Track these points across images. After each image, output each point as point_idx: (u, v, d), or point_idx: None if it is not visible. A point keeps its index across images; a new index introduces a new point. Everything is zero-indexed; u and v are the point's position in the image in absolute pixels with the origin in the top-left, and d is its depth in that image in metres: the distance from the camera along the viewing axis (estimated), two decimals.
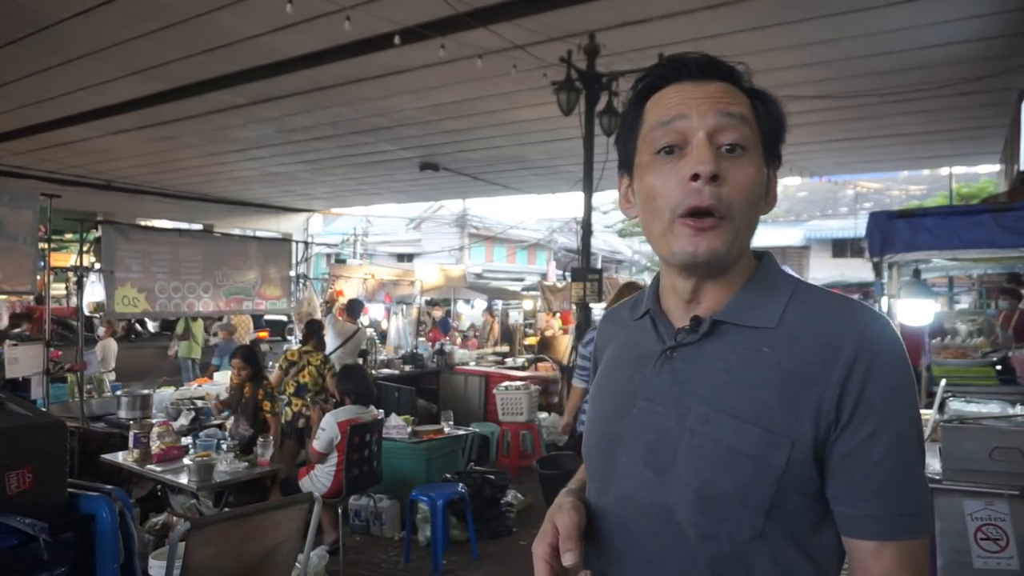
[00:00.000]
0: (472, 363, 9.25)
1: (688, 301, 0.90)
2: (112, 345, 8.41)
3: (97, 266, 5.78)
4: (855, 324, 0.81)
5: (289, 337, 8.15)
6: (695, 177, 0.81)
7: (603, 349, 1.07)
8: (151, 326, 16.18)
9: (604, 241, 27.62)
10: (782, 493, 0.79)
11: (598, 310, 7.51)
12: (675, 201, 0.83)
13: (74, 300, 7.76)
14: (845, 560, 0.84)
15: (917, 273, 3.94)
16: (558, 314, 12.50)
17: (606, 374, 1.02)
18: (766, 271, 0.91)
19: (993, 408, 2.90)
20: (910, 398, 0.80)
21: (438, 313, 12.62)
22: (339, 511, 4.41)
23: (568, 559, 0.81)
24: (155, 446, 4.13)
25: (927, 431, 2.69)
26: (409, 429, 5.31)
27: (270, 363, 8.45)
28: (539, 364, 9.02)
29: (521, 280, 22.55)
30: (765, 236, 22.48)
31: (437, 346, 9.60)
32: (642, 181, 0.88)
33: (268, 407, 4.86)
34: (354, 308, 7.60)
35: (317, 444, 4.42)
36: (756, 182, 0.84)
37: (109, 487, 2.21)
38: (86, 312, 6.12)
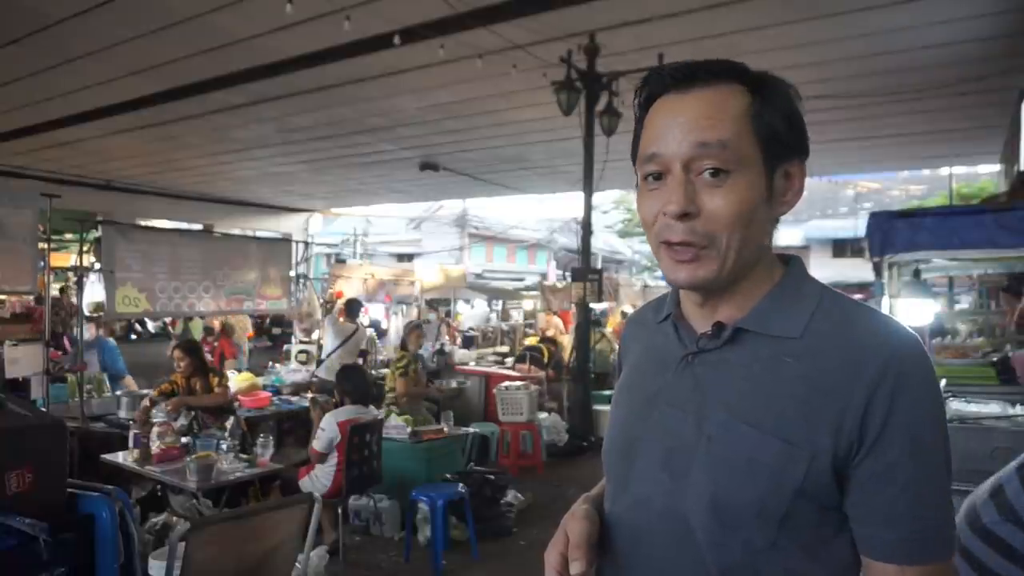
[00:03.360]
0: (472, 363, 9.25)
1: (702, 307, 0.89)
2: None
3: (97, 266, 5.79)
4: (883, 339, 0.79)
5: (300, 336, 8.14)
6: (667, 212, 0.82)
7: (627, 351, 1.06)
8: (151, 326, 16.18)
9: (604, 241, 27.62)
10: (797, 504, 0.78)
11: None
12: (655, 229, 0.84)
13: (73, 300, 7.76)
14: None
15: (917, 273, 3.94)
16: (558, 313, 12.50)
17: (629, 376, 1.01)
18: (793, 278, 0.88)
19: (993, 408, 2.90)
20: (938, 418, 0.78)
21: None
22: (339, 511, 4.41)
23: (575, 568, 0.80)
24: (155, 446, 4.13)
25: None
26: (409, 429, 5.30)
27: (270, 362, 8.46)
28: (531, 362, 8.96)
29: (521, 280, 22.55)
30: None
31: (437, 346, 9.60)
32: (637, 202, 0.89)
33: (217, 381, 4.95)
34: (353, 308, 7.60)
35: (317, 444, 4.42)
36: (743, 203, 0.80)
37: (109, 487, 2.22)
38: (86, 312, 6.12)
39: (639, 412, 0.93)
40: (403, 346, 6.43)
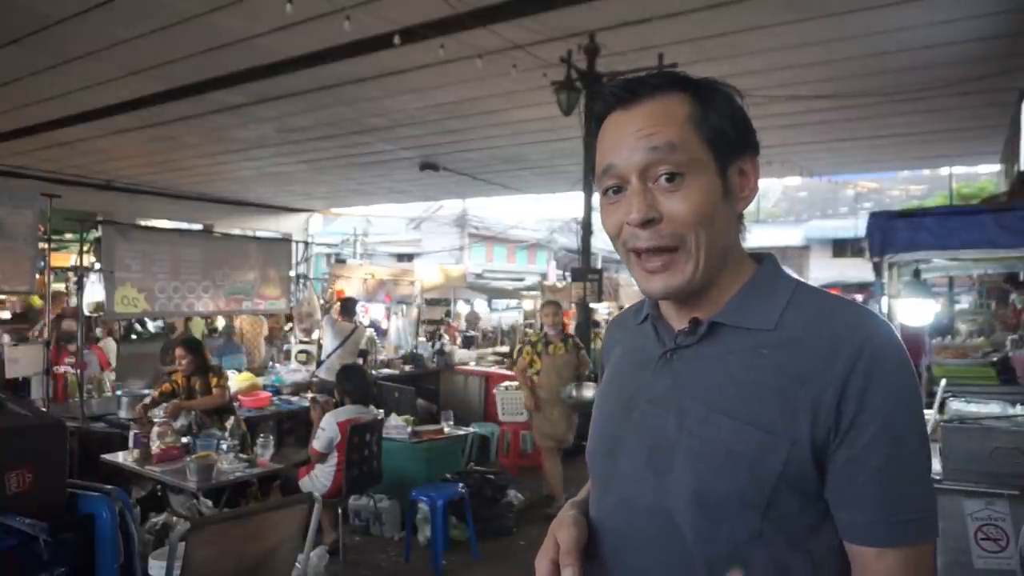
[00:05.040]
0: (472, 363, 9.26)
1: (679, 306, 0.92)
2: (111, 345, 8.39)
3: (97, 266, 5.79)
4: (856, 327, 0.81)
5: (300, 335, 8.13)
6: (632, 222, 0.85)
7: (609, 354, 1.08)
8: (151, 326, 16.16)
9: (604, 241, 27.42)
10: (779, 493, 0.79)
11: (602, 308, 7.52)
12: (622, 239, 0.87)
13: (74, 300, 7.75)
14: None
15: (917, 273, 3.94)
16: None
17: (611, 378, 1.03)
18: (766, 274, 0.91)
19: (993, 408, 2.90)
20: (913, 402, 0.80)
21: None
22: (339, 511, 4.41)
23: (567, 574, 0.82)
24: (155, 446, 4.13)
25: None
26: (409, 429, 5.31)
27: (270, 362, 8.45)
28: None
29: (521, 280, 22.54)
30: (765, 236, 22.40)
31: (437, 346, 9.60)
32: (600, 216, 0.92)
33: (216, 381, 4.90)
34: (348, 306, 7.60)
35: (317, 444, 4.42)
36: (703, 202, 0.83)
37: (109, 487, 2.22)
38: (86, 312, 6.12)
39: (620, 412, 0.94)
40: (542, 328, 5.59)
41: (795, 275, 0.93)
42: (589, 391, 5.30)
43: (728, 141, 0.86)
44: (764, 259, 0.93)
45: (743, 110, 0.89)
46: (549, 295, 11.78)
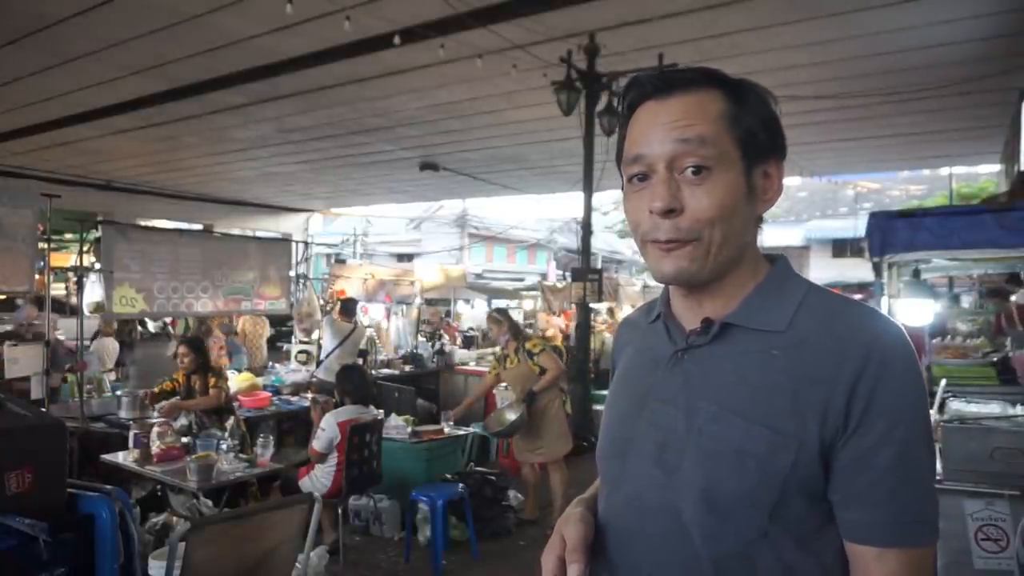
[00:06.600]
0: (472, 363, 9.26)
1: (690, 305, 0.92)
2: (110, 345, 8.38)
3: (97, 266, 5.78)
4: (866, 329, 0.81)
5: (300, 335, 8.12)
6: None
7: (620, 354, 1.09)
8: (151, 326, 16.15)
9: (604, 241, 27.59)
10: (787, 494, 0.79)
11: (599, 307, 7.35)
12: (643, 229, 0.87)
13: (74, 300, 7.76)
14: None
15: (917, 273, 3.94)
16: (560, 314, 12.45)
17: (622, 378, 1.03)
18: (778, 275, 0.91)
19: (993, 408, 2.90)
20: (920, 405, 0.80)
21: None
22: (339, 511, 4.41)
23: (573, 571, 0.82)
24: (155, 446, 4.13)
25: None
26: (409, 429, 5.31)
27: (270, 362, 8.45)
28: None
29: (521, 280, 22.53)
30: (765, 236, 22.13)
31: (437, 346, 9.59)
32: (624, 204, 0.92)
33: (214, 382, 4.86)
34: (348, 307, 7.60)
35: (317, 444, 4.42)
36: (726, 198, 0.83)
37: (109, 487, 2.22)
38: (86, 312, 6.11)
39: (631, 411, 0.94)
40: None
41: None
42: (511, 414, 5.03)
43: (758, 142, 0.87)
44: (776, 260, 0.93)
45: (775, 114, 0.89)
46: (549, 294, 11.78)
